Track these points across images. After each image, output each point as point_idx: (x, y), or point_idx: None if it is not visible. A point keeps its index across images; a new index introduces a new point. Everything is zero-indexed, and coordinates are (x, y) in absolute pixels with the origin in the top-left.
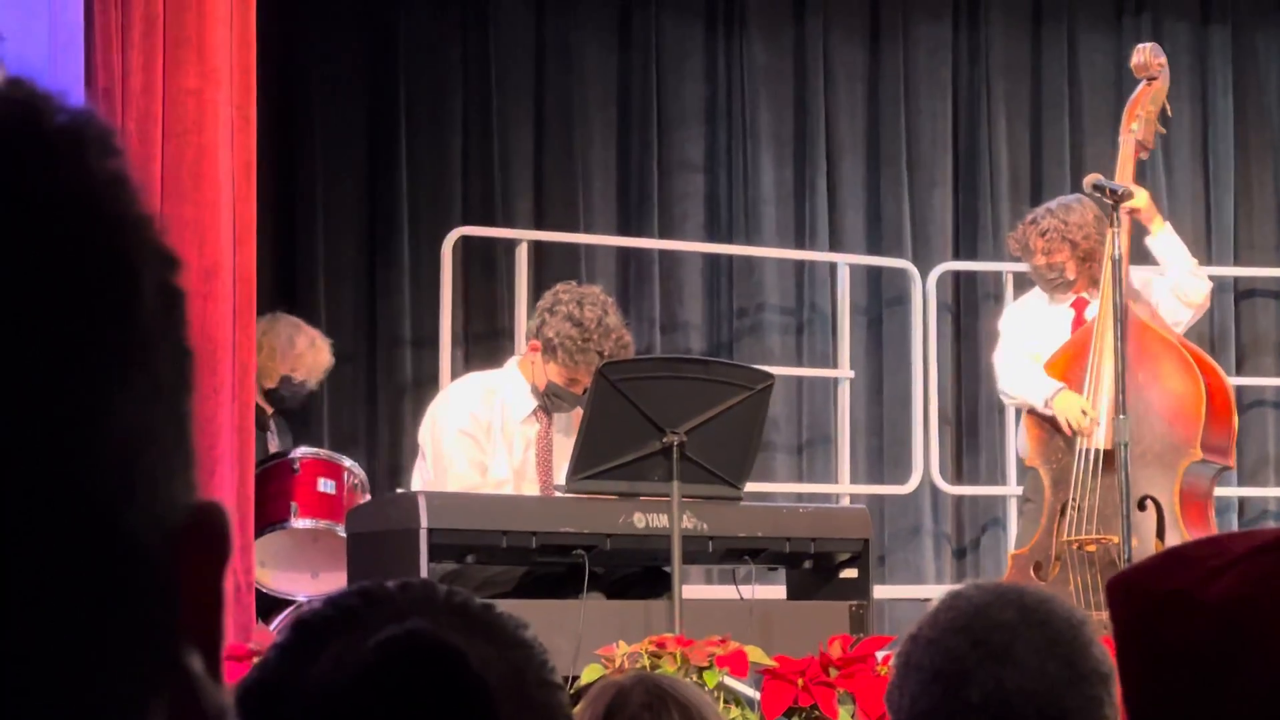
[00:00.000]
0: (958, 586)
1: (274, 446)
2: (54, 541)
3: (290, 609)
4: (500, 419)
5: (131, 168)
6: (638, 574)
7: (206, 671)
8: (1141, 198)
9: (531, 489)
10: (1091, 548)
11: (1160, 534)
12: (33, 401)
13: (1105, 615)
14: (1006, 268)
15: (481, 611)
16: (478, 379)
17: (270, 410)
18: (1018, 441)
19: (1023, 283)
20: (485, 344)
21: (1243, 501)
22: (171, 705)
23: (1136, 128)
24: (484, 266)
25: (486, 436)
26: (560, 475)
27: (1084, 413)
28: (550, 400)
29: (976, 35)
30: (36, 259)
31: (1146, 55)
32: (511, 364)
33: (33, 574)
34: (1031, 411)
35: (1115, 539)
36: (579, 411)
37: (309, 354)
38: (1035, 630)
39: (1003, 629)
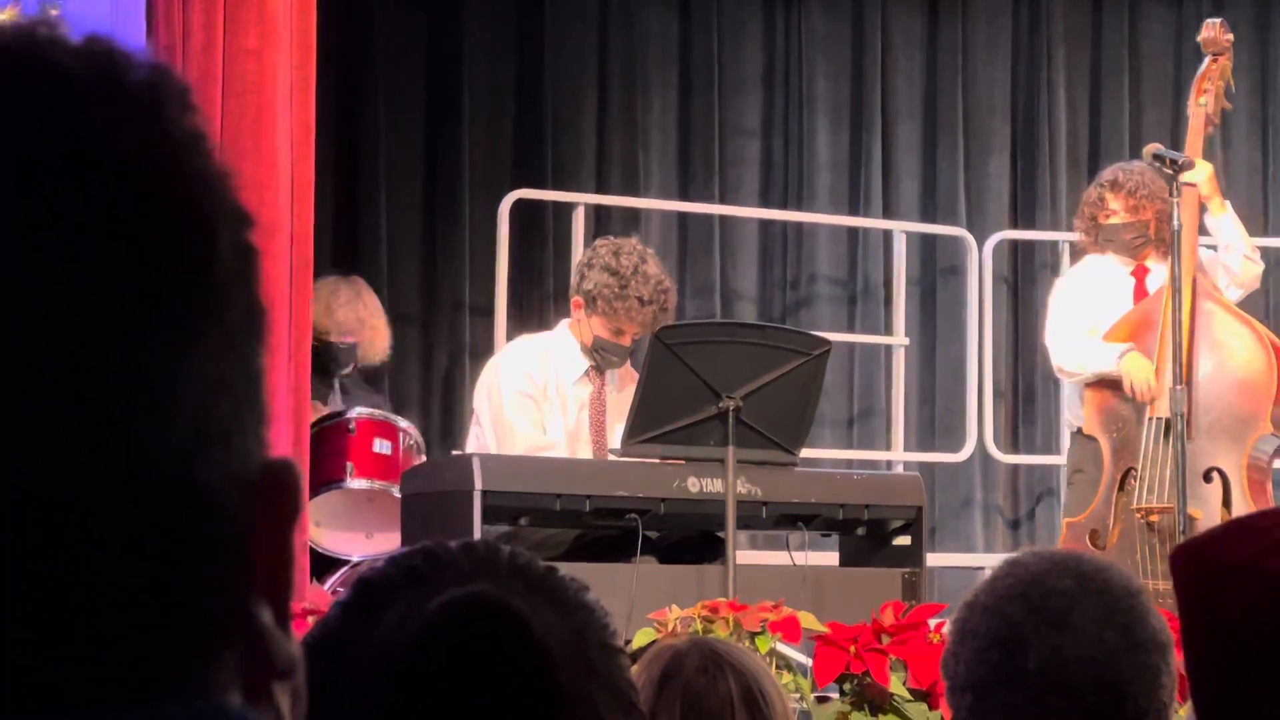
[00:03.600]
0: (1015, 554)
1: (336, 405)
2: (130, 491)
3: (344, 569)
4: (554, 381)
5: (207, 124)
6: (691, 539)
7: (277, 624)
8: (1203, 172)
9: (585, 451)
10: (1155, 517)
11: (1227, 505)
12: (111, 352)
13: (1167, 585)
14: (1063, 237)
15: (544, 574)
16: (529, 341)
17: (339, 370)
18: (1069, 411)
19: (1080, 253)
20: (542, 307)
21: None
22: (243, 655)
23: (1205, 101)
24: (542, 230)
25: (543, 397)
26: (614, 436)
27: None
28: (600, 356)
29: (1037, 3)
30: (116, 213)
31: (1216, 31)
32: (562, 326)
33: (108, 523)
34: (1091, 380)
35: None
36: (629, 370)
37: (342, 313)
38: (1093, 598)
39: (1060, 597)
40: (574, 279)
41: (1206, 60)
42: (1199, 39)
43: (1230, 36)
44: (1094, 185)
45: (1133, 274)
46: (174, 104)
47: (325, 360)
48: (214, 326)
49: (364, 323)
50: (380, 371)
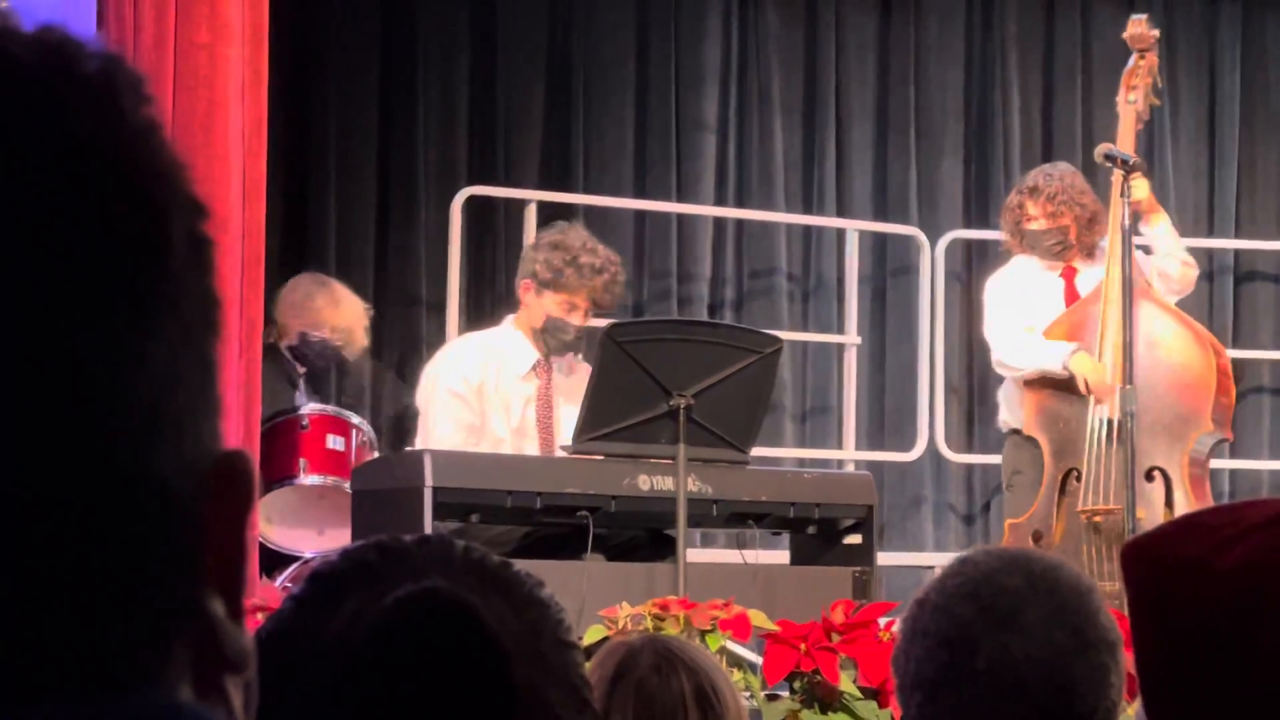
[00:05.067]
0: (966, 553)
1: (299, 403)
2: (82, 482)
3: (295, 565)
4: (495, 379)
5: (162, 115)
6: (641, 538)
7: (229, 617)
8: (1142, 188)
9: (532, 448)
10: (1100, 519)
11: (1169, 504)
12: (64, 342)
13: (1113, 586)
14: (1003, 235)
15: (498, 569)
16: (473, 339)
17: (301, 369)
18: (1005, 412)
19: (1007, 253)
20: (494, 303)
21: (1234, 475)
22: (194, 648)
23: (1134, 98)
24: (494, 226)
25: (478, 398)
26: (560, 434)
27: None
28: (552, 338)
29: (990, 5)
30: (70, 203)
31: (1142, 27)
32: (507, 322)
33: (60, 513)
34: (1030, 380)
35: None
36: (581, 374)
37: (328, 311)
38: (1043, 598)
39: (1010, 596)
40: (521, 268)
41: (1133, 56)
42: (1124, 36)
43: (1155, 33)
44: (1015, 191)
45: (1061, 275)
46: (128, 94)
47: (305, 357)
48: (168, 317)
49: (358, 325)
50: (329, 373)
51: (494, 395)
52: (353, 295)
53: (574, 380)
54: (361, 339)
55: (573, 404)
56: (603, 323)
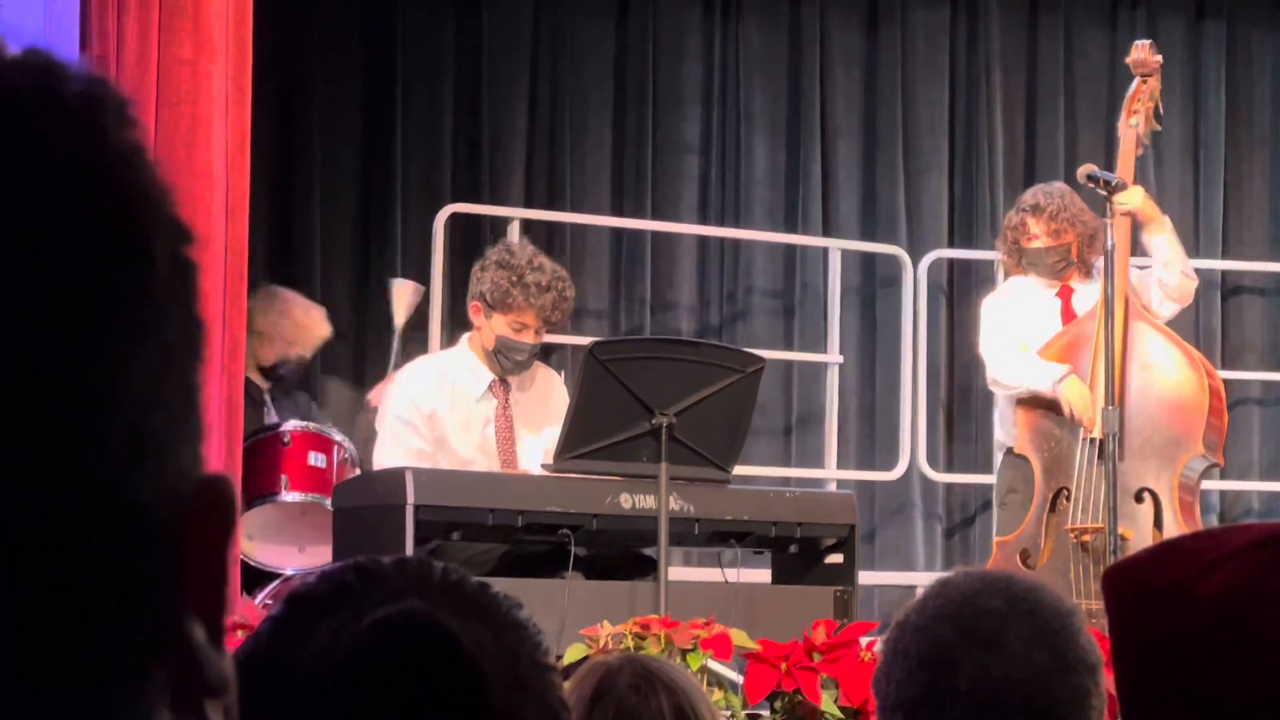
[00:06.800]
0: (947, 573)
1: (269, 421)
2: (60, 504)
3: (276, 582)
4: (450, 402)
5: (146, 138)
6: (622, 557)
7: (209, 641)
8: (1137, 196)
9: (495, 469)
10: (1088, 537)
11: (1158, 526)
12: (45, 364)
13: (1100, 604)
14: (999, 255)
15: (477, 591)
16: (428, 362)
17: (265, 386)
18: (1001, 430)
19: (1007, 272)
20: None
21: (1224, 496)
22: (173, 673)
23: (1135, 122)
24: (477, 244)
25: (428, 424)
26: (521, 454)
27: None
28: (504, 359)
29: (974, 23)
30: (53, 226)
31: (1145, 52)
32: (464, 342)
33: (38, 535)
34: (1023, 399)
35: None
36: (541, 383)
37: (305, 325)
38: (1023, 619)
39: (991, 617)
40: (470, 288)
41: (1136, 81)
42: (1127, 60)
43: (1159, 58)
44: (1015, 210)
45: (1058, 295)
46: (112, 117)
47: (271, 376)
48: (150, 341)
49: (307, 329)
50: (299, 383)
51: (450, 417)
52: (316, 306)
53: (533, 395)
54: (318, 337)
55: (532, 422)
56: (571, 339)
